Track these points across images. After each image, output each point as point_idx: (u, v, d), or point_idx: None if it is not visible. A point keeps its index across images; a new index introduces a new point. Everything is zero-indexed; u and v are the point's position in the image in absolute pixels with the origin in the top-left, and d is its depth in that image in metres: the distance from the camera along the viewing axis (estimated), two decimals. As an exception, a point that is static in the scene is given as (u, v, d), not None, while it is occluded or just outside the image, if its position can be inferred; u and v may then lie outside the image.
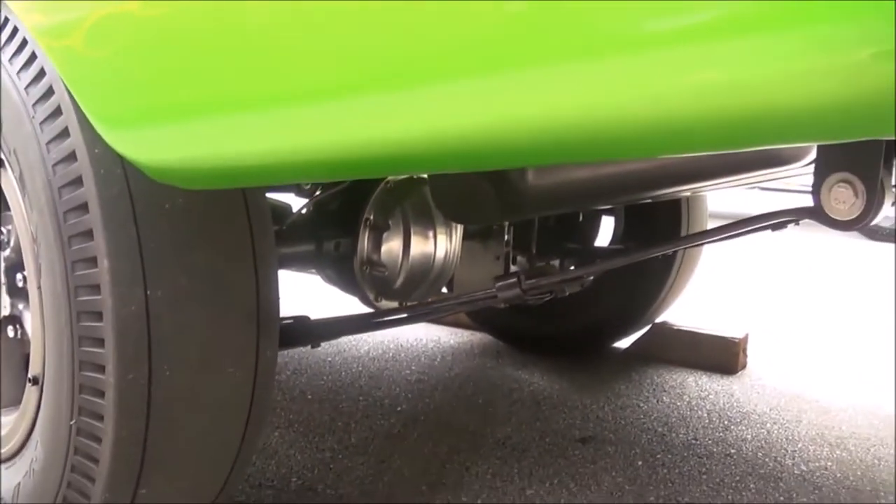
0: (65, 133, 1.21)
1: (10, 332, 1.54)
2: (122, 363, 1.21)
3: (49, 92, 1.24)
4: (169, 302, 1.23)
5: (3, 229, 1.53)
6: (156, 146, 1.11)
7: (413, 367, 2.83)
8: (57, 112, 1.23)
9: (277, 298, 1.36)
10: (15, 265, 1.49)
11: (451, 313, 2.10)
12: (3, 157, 1.36)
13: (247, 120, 0.98)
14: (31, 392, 1.39)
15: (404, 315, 1.80)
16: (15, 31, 1.32)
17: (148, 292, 1.21)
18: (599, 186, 1.63)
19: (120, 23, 1.09)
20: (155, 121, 1.09)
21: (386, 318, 1.79)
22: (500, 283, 1.57)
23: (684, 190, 1.81)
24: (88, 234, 1.20)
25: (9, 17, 1.33)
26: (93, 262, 1.20)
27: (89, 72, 1.17)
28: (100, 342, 1.21)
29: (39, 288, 1.31)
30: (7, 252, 1.50)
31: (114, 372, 1.21)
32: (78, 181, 1.20)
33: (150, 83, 1.08)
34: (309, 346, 1.64)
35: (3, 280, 1.50)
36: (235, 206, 1.30)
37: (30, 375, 1.38)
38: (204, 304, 1.27)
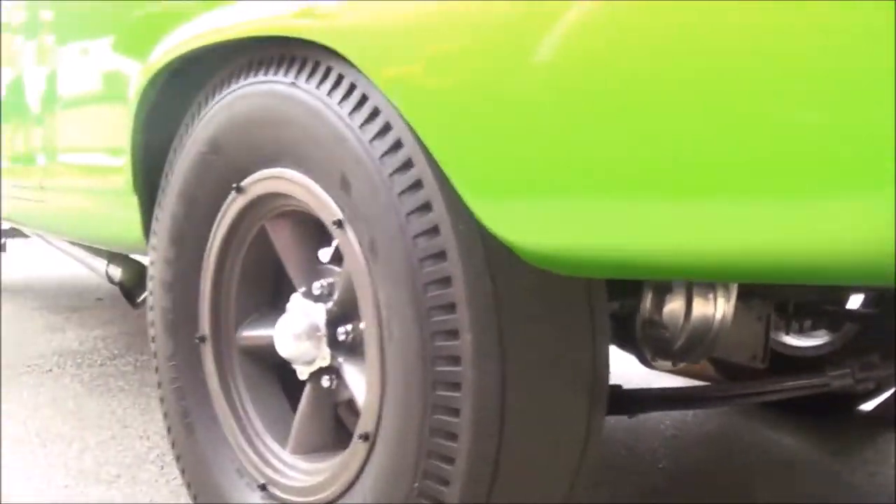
0: (427, 206, 1.23)
1: (325, 381, 1.58)
2: (477, 433, 1.24)
3: (408, 163, 1.25)
4: (521, 374, 1.25)
5: (324, 282, 1.58)
6: (547, 230, 1.11)
7: (667, 422, 2.82)
8: (418, 185, 1.24)
9: (608, 370, 1.38)
10: (336, 318, 1.53)
11: (774, 397, 2.08)
12: (343, 219, 1.40)
13: (681, 209, 0.93)
14: (358, 446, 1.43)
15: (733, 394, 1.79)
16: (364, 98, 1.32)
17: (505, 365, 1.23)
18: None
19: (514, 87, 1.07)
20: (556, 205, 1.08)
21: (710, 396, 1.78)
22: (833, 373, 1.58)
23: None
24: (450, 308, 1.22)
25: (355, 83, 1.34)
26: (454, 334, 1.22)
27: (470, 149, 1.17)
28: (454, 412, 1.24)
29: (382, 351, 1.35)
30: (329, 305, 1.55)
31: (467, 441, 1.24)
32: (441, 255, 1.23)
33: (559, 158, 1.05)
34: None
35: (325, 332, 1.54)
36: (579, 280, 1.32)
37: (360, 432, 1.41)
38: (551, 376, 1.29)
